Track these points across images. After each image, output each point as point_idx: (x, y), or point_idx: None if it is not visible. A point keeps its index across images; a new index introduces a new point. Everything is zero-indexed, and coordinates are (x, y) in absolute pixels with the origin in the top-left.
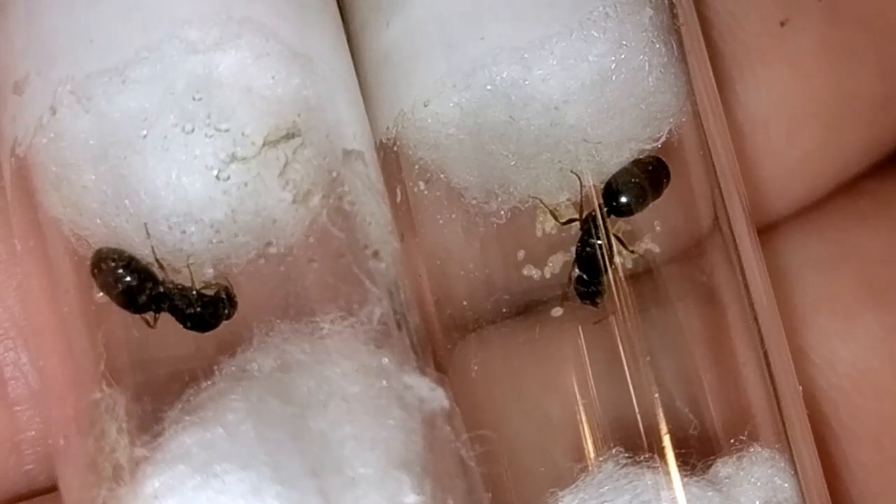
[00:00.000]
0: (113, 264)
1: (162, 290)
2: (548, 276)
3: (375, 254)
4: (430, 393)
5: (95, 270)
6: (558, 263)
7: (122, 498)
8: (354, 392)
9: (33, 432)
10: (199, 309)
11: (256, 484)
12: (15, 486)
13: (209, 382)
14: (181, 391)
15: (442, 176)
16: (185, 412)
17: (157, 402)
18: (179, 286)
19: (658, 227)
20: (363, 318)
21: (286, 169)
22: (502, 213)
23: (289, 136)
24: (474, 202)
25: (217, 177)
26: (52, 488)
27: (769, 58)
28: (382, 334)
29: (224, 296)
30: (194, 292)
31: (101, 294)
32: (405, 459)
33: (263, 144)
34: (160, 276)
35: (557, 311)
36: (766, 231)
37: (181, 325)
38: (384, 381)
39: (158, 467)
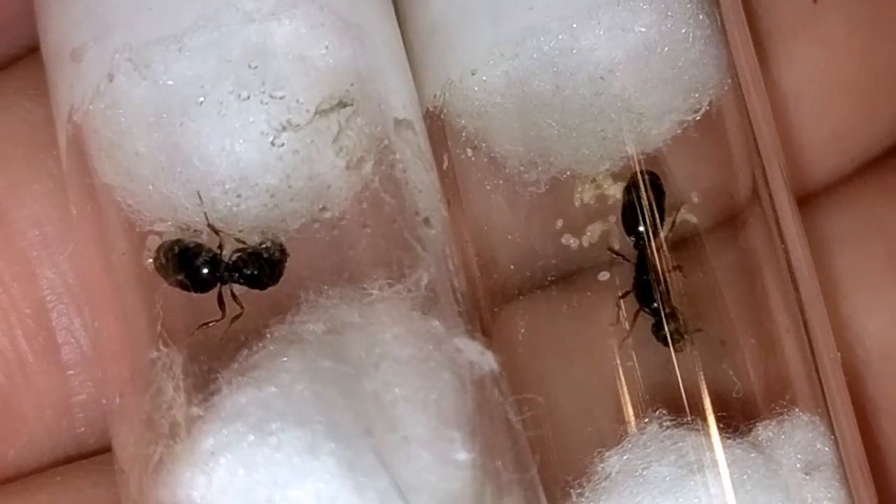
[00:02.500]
0: (179, 257)
1: (223, 266)
2: (585, 245)
3: (426, 220)
4: (479, 356)
5: (161, 264)
6: (596, 233)
7: (179, 454)
8: (405, 354)
9: (84, 396)
10: (256, 269)
11: (311, 442)
12: (66, 448)
13: (263, 344)
14: (236, 351)
15: (484, 145)
16: (241, 372)
17: (213, 361)
18: (236, 255)
19: (696, 198)
20: (412, 283)
21: (339, 136)
22: (542, 182)
23: (341, 105)
24: (515, 171)
25: (272, 143)
26: (101, 451)
27: (802, 34)
28: (431, 300)
29: (277, 250)
30: (249, 252)
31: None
32: (456, 420)
33: (316, 112)
34: (216, 245)
35: (604, 276)
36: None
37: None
38: (434, 345)
39: (215, 425)
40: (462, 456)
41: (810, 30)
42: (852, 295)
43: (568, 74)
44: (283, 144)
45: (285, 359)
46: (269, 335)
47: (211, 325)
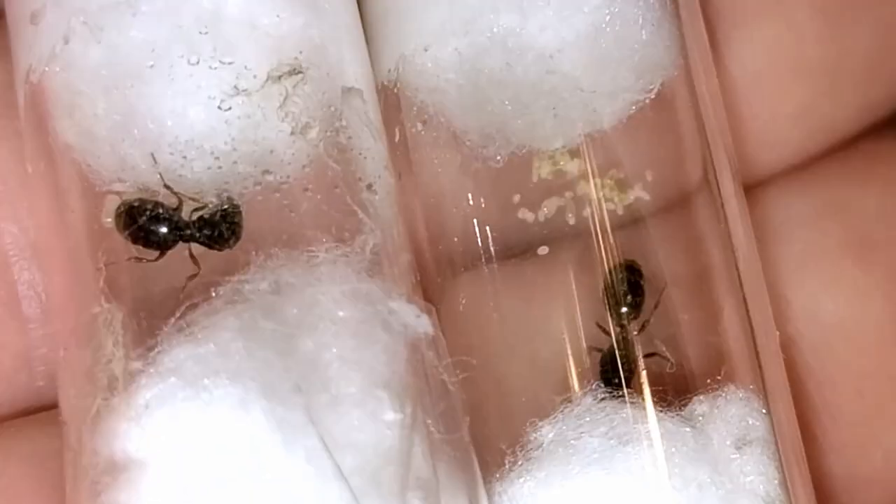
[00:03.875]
0: (141, 216)
1: (182, 224)
2: (541, 219)
3: (369, 186)
4: (415, 319)
5: (123, 222)
6: (553, 208)
7: (115, 407)
8: (342, 315)
9: (44, 350)
10: (219, 230)
11: (244, 398)
12: (25, 402)
13: (204, 302)
14: (176, 309)
15: (442, 119)
16: (179, 329)
17: (153, 318)
18: (197, 215)
19: (649, 177)
20: (356, 247)
21: (286, 102)
22: (499, 157)
23: (291, 73)
24: (472, 146)
25: (219, 107)
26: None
27: (763, 14)
28: (374, 264)
29: (236, 211)
30: (211, 213)
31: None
32: (387, 380)
33: (267, 79)
34: (174, 205)
35: (544, 250)
36: (758, 186)
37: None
38: (371, 307)
39: (151, 379)
40: (390, 416)
41: (772, 8)
42: (812, 273)
43: (518, 53)
44: (229, 109)
45: (225, 317)
46: (211, 293)
47: (139, 261)
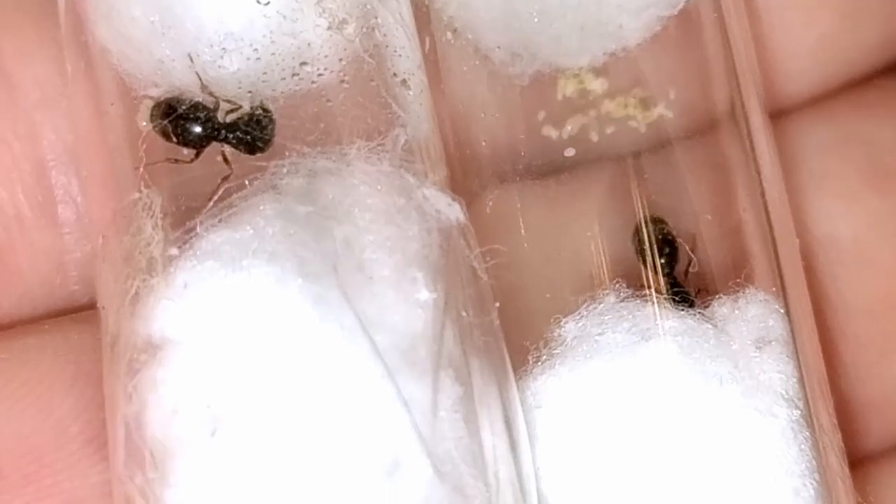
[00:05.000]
0: (176, 112)
1: (217, 125)
2: (565, 137)
3: (404, 82)
4: (447, 207)
5: (158, 121)
6: (577, 126)
7: (154, 287)
8: (376, 202)
9: (79, 254)
10: (252, 132)
11: (280, 276)
12: (59, 303)
13: (242, 189)
14: (214, 195)
15: (470, 36)
16: (217, 214)
17: (192, 203)
18: (232, 117)
19: (672, 95)
20: (390, 139)
21: None
22: (525, 74)
23: None
24: (499, 62)
25: (258, 1)
26: (92, 307)
27: None
28: (407, 155)
29: (268, 116)
30: (246, 115)
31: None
32: (421, 263)
33: None
34: (211, 105)
35: (570, 151)
36: (779, 116)
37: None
38: (405, 193)
39: (189, 261)
40: (423, 295)
41: None
42: (829, 198)
43: None
44: (268, 3)
45: (261, 202)
46: (248, 183)
47: (175, 162)
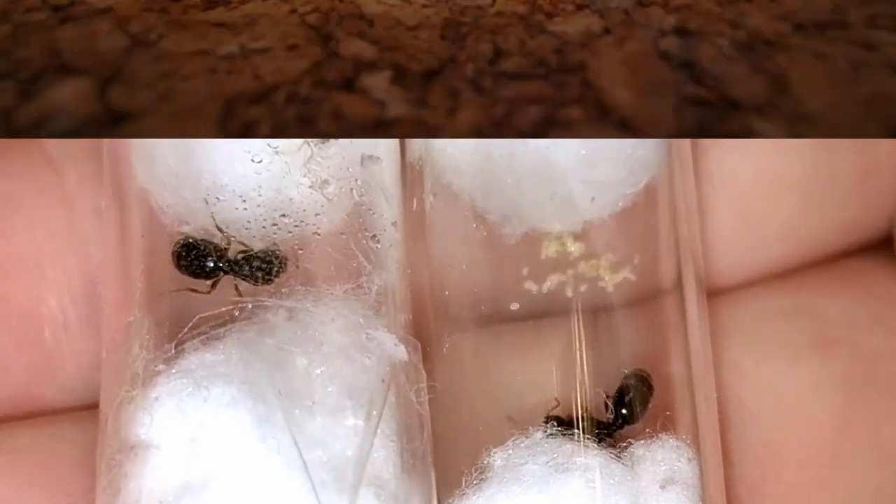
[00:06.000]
0: (195, 253)
1: (229, 261)
2: (544, 291)
3: (374, 237)
4: (393, 347)
5: (178, 257)
6: (555, 282)
7: (134, 398)
8: (332, 338)
9: None
10: (259, 269)
11: (233, 398)
12: (95, 398)
13: (219, 319)
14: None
15: (467, 198)
16: (200, 337)
17: (174, 328)
18: (241, 253)
19: (636, 261)
20: (356, 286)
21: (309, 161)
22: (514, 235)
23: (322, 141)
24: (492, 224)
25: (252, 160)
26: None
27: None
28: (370, 303)
29: (274, 258)
30: (249, 254)
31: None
32: (358, 394)
33: (302, 144)
34: (223, 244)
35: (515, 306)
36: (742, 285)
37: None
38: (358, 334)
39: (163, 377)
40: (351, 422)
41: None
42: (778, 360)
43: (519, 140)
44: (260, 161)
45: (237, 333)
46: (226, 314)
47: (195, 292)
